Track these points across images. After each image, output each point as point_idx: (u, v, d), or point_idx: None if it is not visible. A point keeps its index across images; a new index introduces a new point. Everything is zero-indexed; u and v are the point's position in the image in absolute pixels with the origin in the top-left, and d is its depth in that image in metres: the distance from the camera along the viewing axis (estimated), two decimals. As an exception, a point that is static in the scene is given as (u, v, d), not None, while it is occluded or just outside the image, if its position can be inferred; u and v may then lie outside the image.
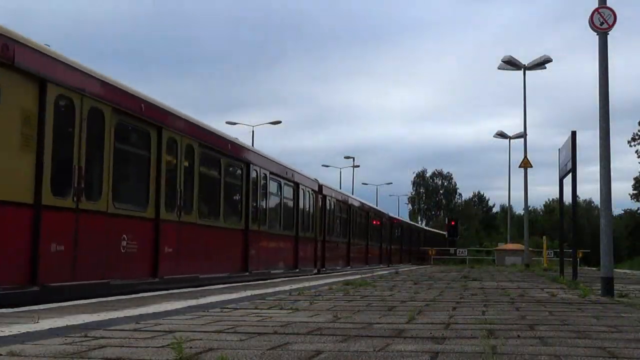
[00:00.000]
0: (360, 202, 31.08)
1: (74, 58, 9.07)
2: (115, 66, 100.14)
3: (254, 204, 15.73)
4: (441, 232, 67.87)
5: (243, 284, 11.96)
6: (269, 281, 13.79)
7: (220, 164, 14.03)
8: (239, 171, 15.31)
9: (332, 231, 24.38)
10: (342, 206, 26.64)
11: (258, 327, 4.74)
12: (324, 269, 22.42)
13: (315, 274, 20.34)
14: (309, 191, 21.11)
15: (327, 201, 23.51)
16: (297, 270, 19.10)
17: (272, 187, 17.62)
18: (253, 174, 15.80)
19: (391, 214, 40.65)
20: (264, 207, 16.59)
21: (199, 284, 11.59)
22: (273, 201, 17.92)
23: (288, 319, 5.31)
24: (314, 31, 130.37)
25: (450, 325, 4.94)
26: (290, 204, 19.48)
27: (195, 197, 12.42)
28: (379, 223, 35.03)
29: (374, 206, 35.95)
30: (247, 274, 14.88)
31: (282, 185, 18.49)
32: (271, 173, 17.23)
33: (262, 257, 16.08)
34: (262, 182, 16.48)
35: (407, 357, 3.45)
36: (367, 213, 31.51)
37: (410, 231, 48.85)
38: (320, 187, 22.70)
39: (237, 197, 15.28)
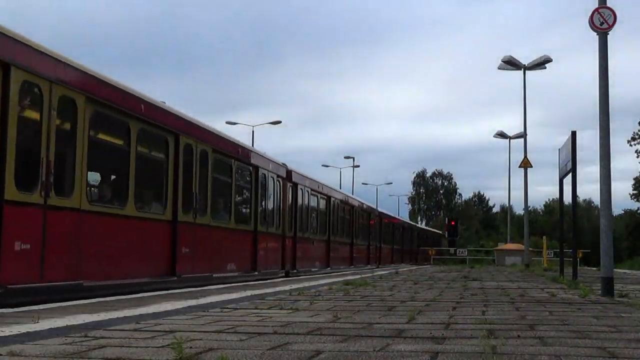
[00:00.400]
0: (344, 195, 28.19)
1: (75, 59, 9.03)
2: (115, 66, 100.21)
3: (187, 188, 12.21)
4: (437, 230, 67.66)
5: (167, 292, 9.56)
6: (267, 282, 13.73)
7: (128, 130, 10.45)
8: (161, 143, 11.64)
9: (307, 226, 20.88)
10: (321, 198, 23.09)
11: (258, 327, 4.74)
12: (295, 271, 19.05)
13: (282, 277, 17.31)
14: (273, 177, 17.44)
15: (299, 191, 20.00)
16: (256, 272, 15.70)
17: (217, 168, 13.95)
18: (185, 149, 12.13)
19: (381, 210, 37.66)
20: (204, 193, 12.99)
21: (84, 295, 8.50)
22: (219, 186, 14.22)
23: (288, 319, 5.31)
24: (314, 31, 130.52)
25: (450, 325, 4.94)
26: (247, 191, 15.91)
27: (81, 173, 9.13)
28: (367, 219, 31.86)
29: (362, 200, 32.28)
30: (175, 278, 11.59)
31: (234, 167, 14.84)
32: (216, 150, 13.60)
33: (200, 257, 12.69)
34: (200, 160, 12.76)
35: (407, 357, 3.45)
36: (352, 208, 28.19)
37: (403, 229, 45.36)
38: (289, 173, 19.07)
39: (159, 178, 11.67)
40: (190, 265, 12.29)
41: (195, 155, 12.62)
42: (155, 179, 11.78)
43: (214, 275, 13.20)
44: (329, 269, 23.12)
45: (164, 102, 12.12)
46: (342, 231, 26.43)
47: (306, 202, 20.85)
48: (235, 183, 15.06)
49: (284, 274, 17.92)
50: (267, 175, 16.92)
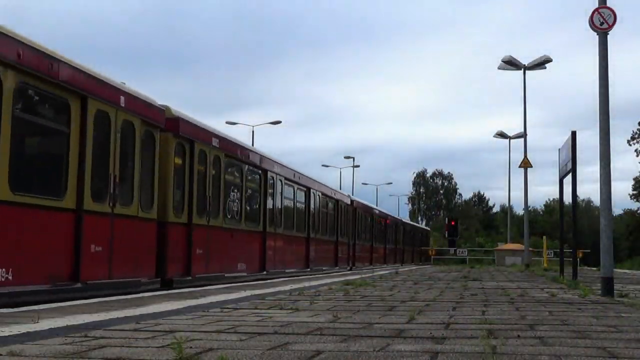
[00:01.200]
0: (295, 171, 20.08)
1: (74, 57, 9.02)
2: (115, 66, 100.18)
3: None
4: (425, 227, 66.89)
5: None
6: (268, 281, 13.72)
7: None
8: None
9: (218, 210, 13.87)
10: (249, 170, 16.32)
11: (258, 327, 4.74)
12: (189, 278, 12.30)
13: (159, 289, 10.67)
14: (135, 123, 10.49)
15: (200, 153, 13.02)
16: (79, 284, 8.89)
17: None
18: None
19: (354, 197, 30.20)
20: None
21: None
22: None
23: (288, 319, 5.31)
24: (314, 31, 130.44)
25: (450, 325, 4.94)
26: (59, 139, 8.94)
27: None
28: (335, 209, 25.22)
29: (325, 183, 24.61)
30: None
31: (8, 85, 7.58)
32: None
33: None
34: None
35: (407, 357, 3.45)
36: (308, 190, 21.40)
37: (387, 224, 37.70)
38: (176, 122, 12.00)
39: None
40: None
41: None
42: None
43: None
44: (264, 272, 16.56)
45: None
46: (291, 221, 19.67)
47: (216, 173, 13.91)
48: (17, 116, 7.78)
49: (159, 284, 11.16)
50: (118, 119, 9.98)
